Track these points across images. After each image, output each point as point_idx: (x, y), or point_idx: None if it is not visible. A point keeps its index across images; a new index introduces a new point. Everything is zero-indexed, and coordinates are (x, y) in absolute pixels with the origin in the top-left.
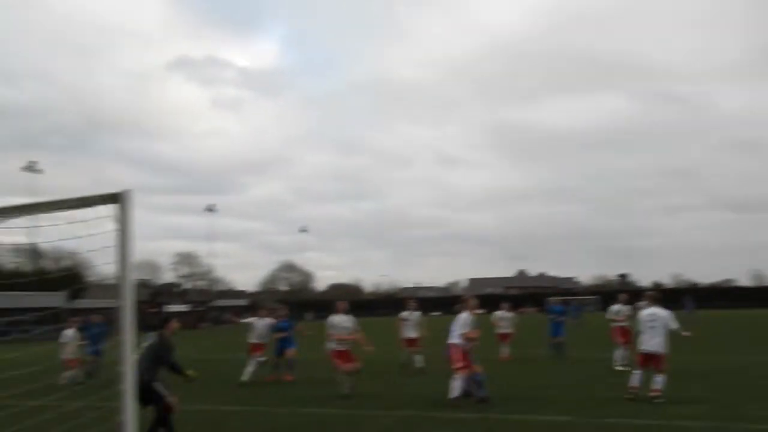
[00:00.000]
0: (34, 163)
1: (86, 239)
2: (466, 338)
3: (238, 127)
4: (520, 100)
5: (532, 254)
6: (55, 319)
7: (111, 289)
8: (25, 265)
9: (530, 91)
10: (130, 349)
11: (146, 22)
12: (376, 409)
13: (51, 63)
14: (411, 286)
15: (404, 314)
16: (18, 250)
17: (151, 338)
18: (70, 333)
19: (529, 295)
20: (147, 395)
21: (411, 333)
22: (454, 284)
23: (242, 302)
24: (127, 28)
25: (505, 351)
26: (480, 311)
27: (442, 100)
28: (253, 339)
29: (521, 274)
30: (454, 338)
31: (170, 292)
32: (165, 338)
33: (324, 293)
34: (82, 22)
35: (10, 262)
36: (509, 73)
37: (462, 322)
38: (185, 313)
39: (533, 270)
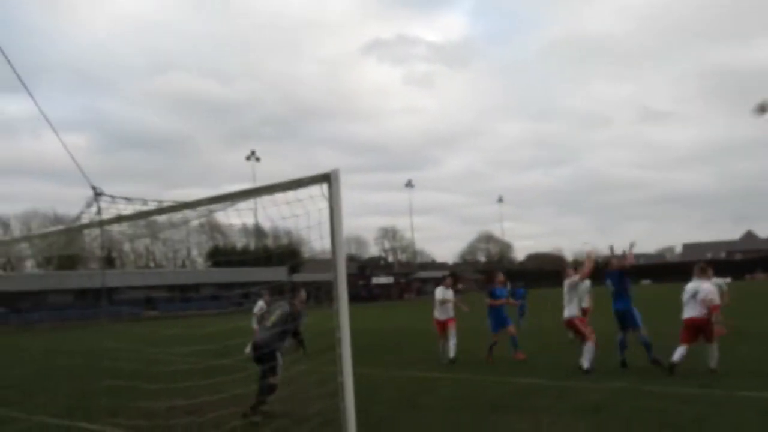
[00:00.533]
0: (254, 152)
1: (301, 218)
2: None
3: (431, 102)
4: (732, 39)
5: (762, 214)
6: (281, 291)
7: (324, 263)
8: (252, 243)
9: (742, 29)
10: (345, 316)
11: (338, 11)
12: (584, 381)
13: (258, 61)
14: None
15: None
16: (245, 230)
17: (282, 306)
18: (260, 304)
19: (760, 259)
20: (268, 359)
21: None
22: (667, 250)
23: (443, 273)
24: (321, 19)
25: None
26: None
27: (641, 51)
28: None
29: (748, 236)
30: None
31: (376, 265)
32: (295, 307)
33: (523, 263)
34: (280, 19)
35: (240, 242)
36: (714, 12)
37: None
38: (390, 284)
39: (763, 231)
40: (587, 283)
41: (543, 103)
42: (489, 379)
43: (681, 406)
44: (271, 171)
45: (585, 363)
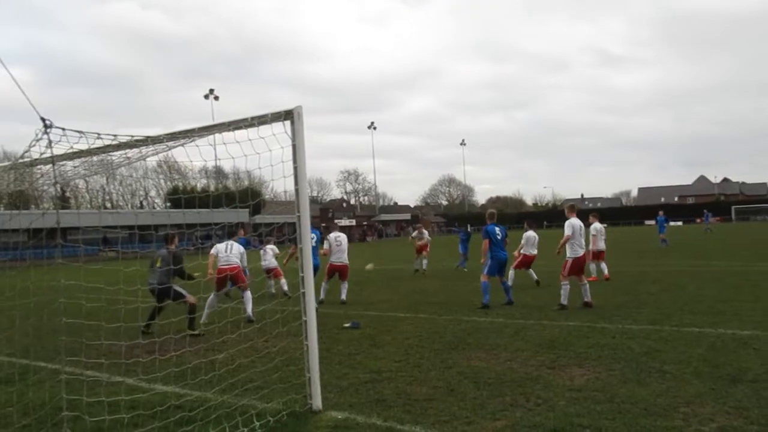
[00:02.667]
0: (212, 91)
1: (264, 157)
2: None
3: (388, 42)
4: None
5: (714, 159)
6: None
7: (284, 204)
8: (211, 184)
9: None
10: (309, 257)
11: None
12: (542, 319)
13: None
14: (575, 197)
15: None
16: (204, 170)
17: (161, 253)
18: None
19: (711, 203)
20: (167, 294)
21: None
22: (624, 194)
23: (405, 216)
24: None
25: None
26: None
27: None
28: None
29: (702, 181)
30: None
31: (338, 207)
32: (173, 251)
33: (484, 207)
34: None
35: (200, 183)
36: None
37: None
38: (352, 227)
39: (716, 176)
40: None
41: (502, 45)
42: (449, 318)
43: (631, 342)
44: (227, 111)
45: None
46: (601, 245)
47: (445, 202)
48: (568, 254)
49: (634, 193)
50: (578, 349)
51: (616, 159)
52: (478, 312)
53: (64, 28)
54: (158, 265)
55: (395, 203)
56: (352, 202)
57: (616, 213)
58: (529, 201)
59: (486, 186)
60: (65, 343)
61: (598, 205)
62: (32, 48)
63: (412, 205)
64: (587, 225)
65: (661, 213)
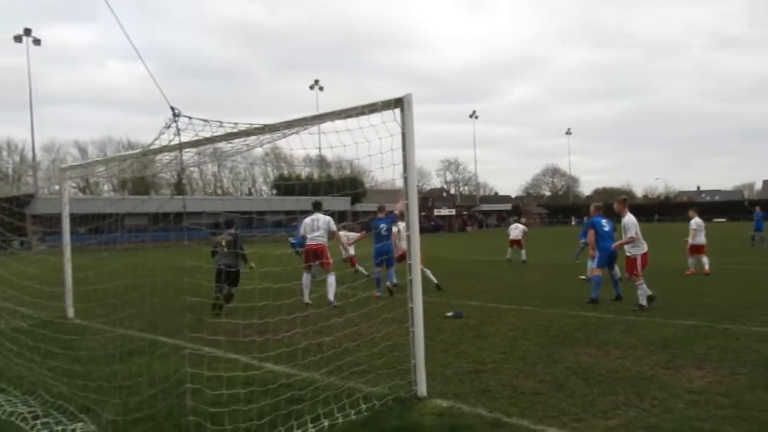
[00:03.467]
0: (317, 81)
1: (373, 144)
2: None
3: (488, 30)
4: None
5: None
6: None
7: (386, 194)
8: (315, 172)
9: None
10: (416, 244)
11: None
12: (655, 316)
13: None
14: (691, 189)
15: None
16: (308, 159)
17: (228, 236)
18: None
19: None
20: (235, 277)
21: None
22: (746, 186)
23: (506, 207)
24: None
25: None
26: None
27: None
28: None
29: None
30: None
31: (438, 196)
32: (238, 236)
33: (589, 198)
34: None
35: (304, 171)
36: None
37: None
38: (452, 216)
39: None
40: None
41: (608, 29)
42: (554, 311)
43: (759, 345)
44: (327, 102)
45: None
46: (701, 239)
47: (548, 193)
48: (633, 252)
49: (758, 185)
50: (697, 350)
51: (738, 149)
52: (585, 306)
53: (172, 23)
54: (224, 246)
55: (496, 193)
56: (452, 191)
57: (736, 207)
58: (639, 193)
59: (592, 176)
60: (189, 320)
61: (716, 198)
62: (144, 42)
63: (513, 196)
64: (687, 220)
65: (758, 209)
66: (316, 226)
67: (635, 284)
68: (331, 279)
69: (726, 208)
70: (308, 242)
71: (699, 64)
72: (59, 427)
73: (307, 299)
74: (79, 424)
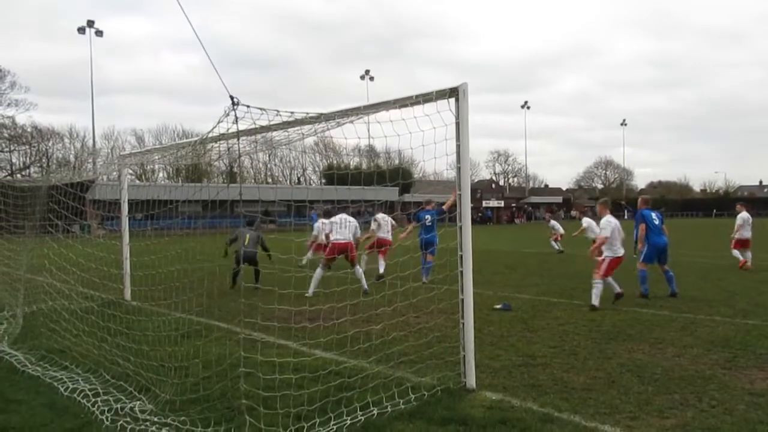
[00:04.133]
0: (368, 72)
1: (416, 136)
2: None
3: (541, 19)
4: None
5: None
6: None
7: (436, 184)
8: (363, 162)
9: None
10: (468, 235)
11: None
12: (713, 314)
13: None
14: (753, 184)
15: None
16: (357, 149)
17: (253, 230)
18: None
19: None
20: (254, 261)
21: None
22: None
23: (556, 199)
24: None
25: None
26: None
27: None
28: None
29: None
30: None
31: (487, 188)
32: (260, 236)
33: (643, 191)
34: None
35: (353, 161)
36: None
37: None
38: (501, 209)
39: None
40: None
41: (665, 18)
42: (606, 306)
43: None
44: (377, 93)
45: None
46: (747, 234)
47: (600, 186)
48: (607, 254)
49: None
50: (759, 350)
51: None
52: (639, 302)
53: (228, 13)
54: (247, 242)
55: (546, 185)
56: (501, 183)
57: None
58: (696, 187)
59: (646, 169)
60: (243, 306)
61: None
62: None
63: (564, 188)
64: (735, 214)
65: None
66: (345, 226)
67: (592, 282)
68: (359, 270)
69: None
70: (335, 239)
71: (762, 54)
72: (118, 405)
73: (310, 292)
74: (138, 403)
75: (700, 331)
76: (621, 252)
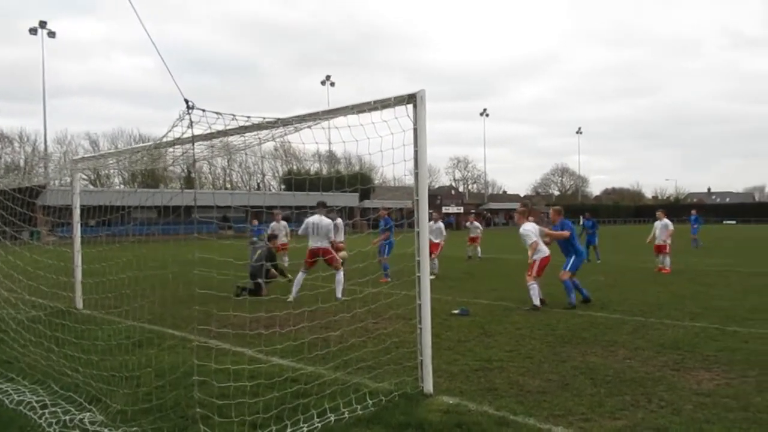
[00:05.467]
0: (329, 77)
1: (375, 142)
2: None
3: (501, 28)
4: None
5: None
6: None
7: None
8: (324, 168)
9: None
10: (425, 240)
11: None
12: (663, 318)
13: None
14: (701, 191)
15: None
16: (317, 155)
17: (262, 246)
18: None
19: None
20: (256, 280)
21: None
22: (757, 189)
23: (514, 205)
24: None
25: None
26: None
27: None
28: None
29: None
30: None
31: (447, 194)
32: (271, 249)
33: (598, 198)
34: None
35: (313, 167)
36: None
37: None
38: (460, 214)
39: None
40: None
41: (621, 29)
42: (561, 311)
43: None
44: (338, 99)
45: None
46: (665, 239)
47: (557, 192)
48: (534, 256)
49: None
50: (706, 351)
51: (750, 151)
52: (593, 306)
53: (185, 19)
54: (256, 257)
55: (504, 192)
56: (461, 189)
57: (748, 209)
58: (648, 194)
59: (601, 176)
60: (197, 313)
61: (727, 200)
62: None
63: (521, 194)
64: (655, 221)
65: (693, 212)
66: (316, 232)
67: (528, 285)
68: (340, 276)
69: (737, 210)
70: (311, 244)
71: (712, 65)
72: (67, 417)
73: (291, 297)
74: (88, 414)
75: (651, 334)
76: (547, 252)
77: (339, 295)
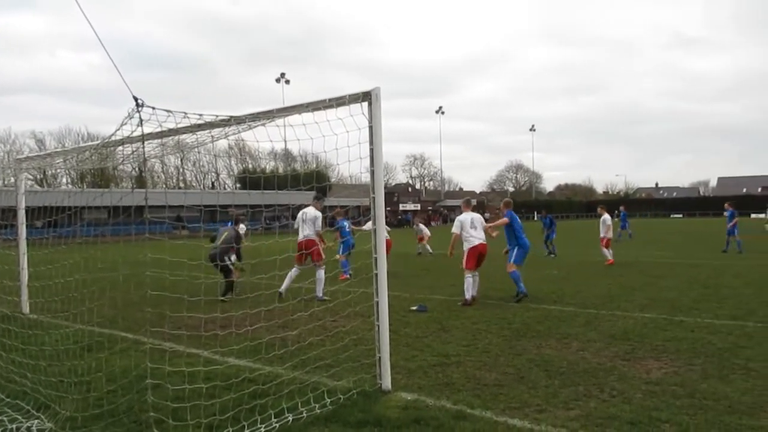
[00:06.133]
0: (284, 75)
1: (331, 140)
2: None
3: (454, 26)
4: None
5: None
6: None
7: (351, 188)
8: (280, 167)
9: None
10: (382, 238)
11: None
12: (615, 309)
13: None
14: (650, 186)
15: None
16: (273, 154)
17: (227, 230)
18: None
19: None
20: (222, 267)
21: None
22: (702, 184)
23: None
24: None
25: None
26: None
27: None
28: None
29: None
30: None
31: (404, 191)
32: (237, 231)
33: (551, 194)
34: None
35: (269, 165)
36: None
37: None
38: (417, 211)
39: None
40: None
41: (572, 28)
42: (517, 305)
43: (712, 337)
44: (292, 96)
45: None
46: (606, 233)
47: (511, 189)
48: (464, 246)
49: (713, 183)
50: (654, 341)
51: (695, 147)
52: (547, 300)
53: (131, 14)
54: (221, 240)
55: (460, 188)
56: (418, 186)
57: (693, 203)
58: (599, 189)
59: (554, 173)
60: (149, 315)
61: (674, 194)
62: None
63: (477, 191)
64: (597, 216)
65: (622, 207)
66: (303, 221)
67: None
68: (320, 274)
69: (683, 204)
70: (299, 237)
71: (658, 64)
72: (14, 425)
73: (282, 289)
74: (36, 422)
75: (603, 325)
76: (475, 242)
77: (320, 294)
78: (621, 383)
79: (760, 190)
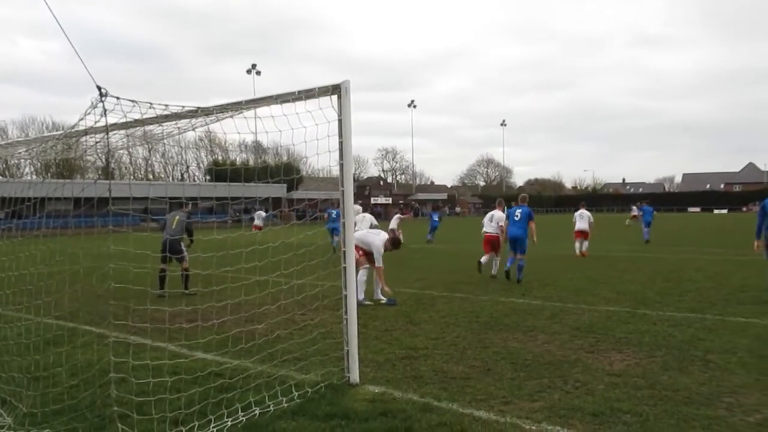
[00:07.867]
0: (254, 66)
1: (301, 132)
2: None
3: (425, 21)
4: None
5: (765, 146)
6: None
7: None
8: (251, 159)
9: None
10: (351, 231)
11: None
12: (580, 303)
13: None
14: (617, 182)
15: None
16: (244, 146)
17: (178, 213)
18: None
19: (759, 191)
20: (174, 250)
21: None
22: (667, 180)
23: (441, 196)
24: None
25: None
26: None
27: None
28: None
29: (750, 168)
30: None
31: (375, 185)
32: (188, 214)
33: (521, 188)
34: None
35: (239, 157)
36: None
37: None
38: (389, 205)
39: (765, 164)
40: None
41: (541, 25)
42: (485, 298)
43: (673, 329)
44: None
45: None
46: (582, 226)
47: (482, 183)
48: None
49: (678, 179)
50: (618, 334)
51: (660, 144)
52: (515, 293)
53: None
54: (174, 225)
55: (432, 182)
56: (389, 180)
57: (659, 199)
58: (568, 184)
59: (524, 168)
60: (113, 308)
61: (640, 190)
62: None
63: (449, 185)
64: (575, 211)
65: (645, 202)
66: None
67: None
68: (360, 276)
69: (648, 199)
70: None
71: (622, 61)
72: None
73: (359, 295)
74: None
75: (568, 318)
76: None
77: (361, 296)
78: (584, 375)
79: (723, 186)
